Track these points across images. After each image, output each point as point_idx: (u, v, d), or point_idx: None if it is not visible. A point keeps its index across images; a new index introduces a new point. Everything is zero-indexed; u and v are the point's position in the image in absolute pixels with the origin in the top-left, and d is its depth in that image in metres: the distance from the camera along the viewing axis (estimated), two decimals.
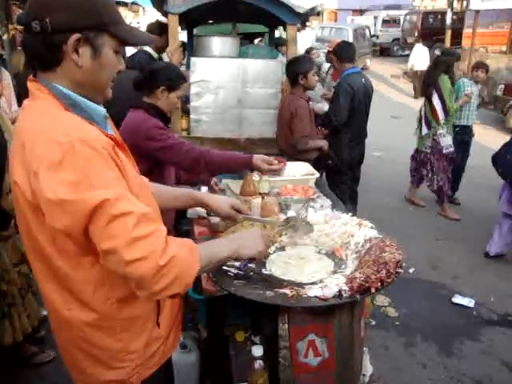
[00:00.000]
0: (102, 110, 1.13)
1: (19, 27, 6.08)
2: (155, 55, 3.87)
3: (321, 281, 1.37)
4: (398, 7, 22.23)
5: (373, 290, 1.27)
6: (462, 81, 4.99)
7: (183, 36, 5.29)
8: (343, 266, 1.48)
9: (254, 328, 1.76)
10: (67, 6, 0.99)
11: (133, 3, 14.31)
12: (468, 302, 3.33)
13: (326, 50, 5.96)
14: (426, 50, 12.63)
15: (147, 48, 3.80)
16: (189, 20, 4.45)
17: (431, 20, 17.60)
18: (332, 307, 1.29)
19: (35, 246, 1.07)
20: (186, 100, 3.47)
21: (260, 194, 2.13)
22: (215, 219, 1.90)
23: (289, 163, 2.62)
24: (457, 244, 4.30)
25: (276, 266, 1.48)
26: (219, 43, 3.57)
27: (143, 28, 4.86)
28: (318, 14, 21.40)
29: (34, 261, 1.11)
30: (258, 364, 1.39)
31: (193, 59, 3.55)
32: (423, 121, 4.81)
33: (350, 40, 14.40)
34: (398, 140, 7.99)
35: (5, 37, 6.10)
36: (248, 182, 2.19)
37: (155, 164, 2.09)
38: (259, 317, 1.63)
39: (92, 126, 1.03)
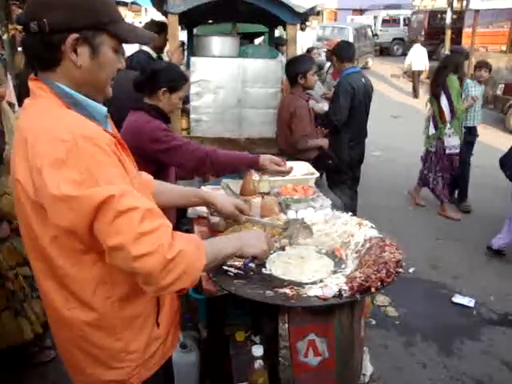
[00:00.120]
0: (103, 108, 1.13)
1: (19, 27, 6.07)
2: (154, 55, 3.87)
3: (321, 280, 1.37)
4: (397, 7, 22.22)
5: (373, 290, 1.27)
6: (465, 82, 4.97)
7: (183, 36, 5.29)
8: (343, 266, 1.48)
9: (254, 328, 1.76)
10: (65, 6, 0.99)
11: (133, 3, 14.30)
12: (468, 301, 3.33)
13: (326, 49, 5.97)
14: (424, 50, 12.69)
15: (146, 48, 3.80)
16: (189, 20, 4.45)
17: (438, 19, 17.63)
18: (332, 307, 1.29)
19: (36, 245, 1.07)
20: (185, 100, 3.47)
21: (260, 193, 2.13)
22: (215, 219, 1.90)
23: (288, 163, 2.62)
24: (457, 244, 4.30)
25: (276, 266, 1.48)
26: (219, 43, 3.57)
27: None
28: (318, 13, 21.45)
29: (35, 260, 1.11)
30: (258, 364, 1.39)
31: (193, 59, 3.55)
32: (431, 121, 4.76)
33: (351, 39, 14.43)
34: (397, 140, 8.00)
35: (5, 37, 6.09)
36: (248, 181, 2.19)
37: (158, 167, 2.06)
38: (259, 316, 1.63)
39: (94, 123, 1.04)
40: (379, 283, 1.28)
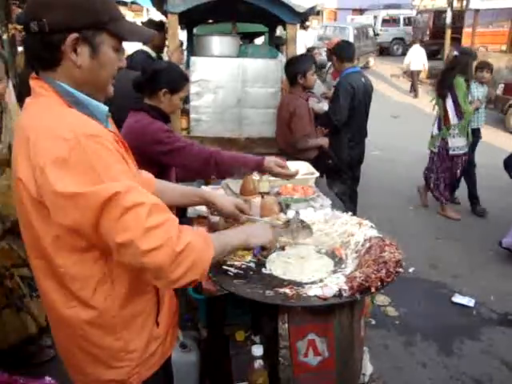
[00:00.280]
0: (104, 107, 1.13)
1: (19, 27, 6.07)
2: (153, 54, 3.87)
3: (321, 280, 1.37)
4: (397, 6, 22.22)
5: (373, 290, 1.27)
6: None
7: (182, 35, 5.29)
8: (343, 266, 1.48)
9: (253, 327, 1.76)
10: (65, 6, 0.99)
11: (133, 2, 14.28)
12: (468, 301, 3.33)
13: (326, 49, 5.97)
14: (422, 50, 12.75)
15: (146, 47, 3.80)
16: (188, 19, 4.45)
17: (442, 19, 17.66)
18: (332, 307, 1.29)
19: (36, 244, 1.07)
20: (185, 100, 3.47)
21: (260, 193, 2.13)
22: (215, 218, 1.90)
23: (288, 162, 2.62)
24: (457, 243, 4.30)
25: (276, 266, 1.48)
26: (219, 43, 3.57)
27: None
28: (318, 13, 21.44)
29: (35, 259, 1.11)
30: (258, 363, 1.39)
31: (192, 59, 3.55)
32: (436, 121, 4.73)
33: (352, 39, 14.45)
34: (398, 139, 8.01)
35: (5, 36, 6.09)
36: (248, 181, 2.18)
37: (159, 169, 2.03)
38: (259, 316, 1.63)
39: (96, 122, 1.04)
40: (379, 283, 1.28)
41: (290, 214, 1.87)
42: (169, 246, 0.98)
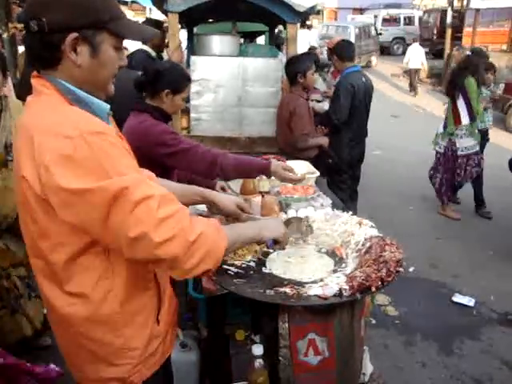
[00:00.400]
0: (105, 105, 1.13)
1: (19, 26, 6.08)
2: (153, 53, 3.86)
3: (321, 280, 1.37)
4: (398, 6, 22.20)
5: (373, 289, 1.27)
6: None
7: (182, 35, 5.28)
8: (343, 265, 1.48)
9: (254, 327, 1.76)
10: (64, 5, 0.99)
11: (133, 2, 14.30)
12: (468, 300, 3.33)
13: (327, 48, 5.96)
14: (421, 49, 12.84)
15: (145, 47, 3.80)
16: (189, 19, 4.45)
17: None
18: (332, 306, 1.29)
19: (36, 243, 1.07)
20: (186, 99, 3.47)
21: (260, 192, 2.12)
22: (216, 217, 1.90)
23: (289, 162, 2.62)
24: (457, 243, 4.30)
25: (276, 265, 1.48)
26: (219, 42, 3.57)
27: None
28: (318, 12, 21.42)
29: (35, 258, 1.11)
30: (258, 363, 1.38)
31: (193, 58, 3.55)
32: (444, 120, 4.70)
33: (353, 38, 14.45)
34: (398, 139, 8.01)
35: (5, 35, 6.09)
36: (248, 180, 2.19)
37: (162, 171, 2.01)
38: (259, 316, 1.63)
39: (98, 119, 1.05)
40: (379, 282, 1.28)
41: (291, 213, 1.88)
42: (182, 236, 1.00)
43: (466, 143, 4.56)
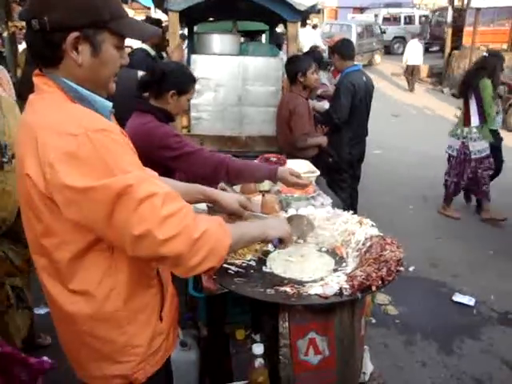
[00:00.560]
0: (108, 103, 1.13)
1: (19, 24, 6.08)
2: (153, 53, 3.86)
3: (321, 279, 1.37)
4: (398, 5, 22.19)
5: (373, 288, 1.27)
6: None
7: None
8: (344, 264, 1.48)
9: (254, 326, 1.75)
10: (66, 5, 0.99)
11: (133, 0, 14.30)
12: (468, 300, 3.33)
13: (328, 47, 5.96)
14: (420, 45, 12.86)
15: (145, 46, 3.80)
16: (189, 17, 4.44)
17: (461, 17, 17.78)
18: (333, 305, 1.28)
19: (39, 241, 1.07)
20: None
21: (260, 191, 2.12)
22: (218, 216, 1.90)
23: (289, 161, 2.62)
24: (457, 242, 4.30)
25: (276, 264, 1.48)
26: (219, 41, 3.57)
27: None
28: (319, 11, 21.39)
29: (38, 257, 1.11)
30: (259, 362, 1.38)
31: (193, 57, 3.55)
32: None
33: (354, 36, 14.46)
34: (398, 139, 8.00)
35: (5, 34, 6.09)
36: None
37: (164, 170, 2.00)
38: (259, 315, 1.63)
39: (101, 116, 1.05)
40: (380, 282, 1.28)
41: (291, 212, 1.87)
42: (186, 234, 1.00)
43: (478, 146, 4.48)
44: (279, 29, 6.69)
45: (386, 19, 20.32)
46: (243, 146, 3.55)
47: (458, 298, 3.36)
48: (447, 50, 13.36)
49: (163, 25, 4.67)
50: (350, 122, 3.78)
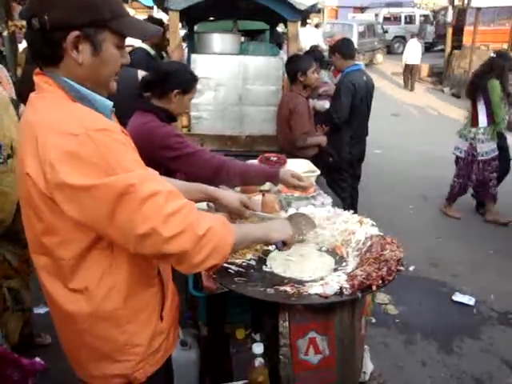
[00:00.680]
0: (108, 102, 1.13)
1: (19, 24, 6.08)
2: (152, 52, 3.85)
3: (322, 278, 1.37)
4: (399, 5, 22.17)
5: (374, 288, 1.27)
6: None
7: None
8: (344, 264, 1.48)
9: (254, 326, 1.76)
10: (66, 3, 0.99)
11: (134, 0, 14.29)
12: (468, 299, 3.33)
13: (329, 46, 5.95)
14: (419, 45, 12.90)
15: (144, 45, 3.79)
16: (189, 17, 4.44)
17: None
18: (333, 305, 1.28)
19: (40, 240, 1.07)
20: None
21: (260, 191, 2.12)
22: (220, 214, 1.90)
23: (289, 160, 2.62)
24: (457, 242, 4.30)
25: (277, 264, 1.48)
26: (220, 40, 3.56)
27: None
28: (319, 11, 21.39)
29: (38, 256, 1.11)
30: (259, 361, 1.38)
31: (193, 56, 3.54)
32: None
33: (356, 36, 14.45)
34: (399, 138, 8.00)
35: (5, 33, 6.09)
36: None
37: (165, 169, 1.95)
38: (260, 314, 1.63)
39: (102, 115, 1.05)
40: (380, 281, 1.28)
41: (291, 211, 1.87)
42: (191, 231, 1.01)
43: (486, 147, 4.46)
44: (280, 28, 6.69)
45: (386, 19, 20.31)
46: (243, 146, 3.55)
47: (458, 297, 3.36)
48: (447, 49, 13.36)
49: (165, 24, 4.66)
50: (351, 122, 3.77)
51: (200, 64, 3.47)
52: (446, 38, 13.93)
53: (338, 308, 1.31)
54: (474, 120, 4.47)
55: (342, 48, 3.84)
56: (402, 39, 19.82)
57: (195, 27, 5.30)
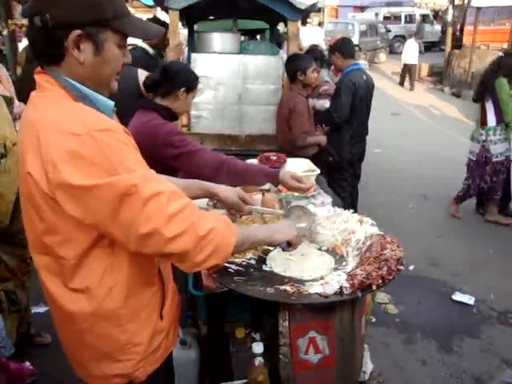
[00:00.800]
0: (110, 102, 1.13)
1: (19, 22, 6.07)
2: (151, 51, 3.85)
3: (322, 277, 1.37)
4: (399, 4, 22.18)
5: (374, 287, 1.27)
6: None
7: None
8: (344, 263, 1.48)
9: (254, 325, 1.75)
10: (68, 2, 0.99)
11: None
12: (468, 299, 3.33)
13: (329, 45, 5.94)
14: (416, 45, 12.92)
15: (143, 44, 3.78)
16: (189, 16, 4.44)
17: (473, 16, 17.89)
18: (333, 304, 1.28)
19: (41, 239, 1.07)
20: None
21: (260, 190, 2.12)
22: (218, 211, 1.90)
23: (289, 159, 2.62)
24: (457, 241, 4.30)
25: (276, 263, 1.48)
26: (220, 39, 3.56)
27: None
28: (319, 10, 21.38)
29: (39, 255, 1.11)
30: (259, 361, 1.38)
31: (193, 55, 3.54)
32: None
33: (357, 35, 14.44)
34: (398, 138, 8.00)
35: (5, 32, 6.07)
36: None
37: (165, 169, 1.99)
38: (259, 314, 1.63)
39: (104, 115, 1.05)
40: (380, 280, 1.28)
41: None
42: (192, 231, 1.02)
43: (500, 148, 4.43)
44: (280, 27, 6.68)
45: (386, 18, 20.31)
46: (243, 145, 3.55)
47: (458, 296, 3.36)
48: (447, 49, 13.35)
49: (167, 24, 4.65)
50: (351, 121, 3.77)
51: (200, 63, 3.47)
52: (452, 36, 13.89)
53: (338, 307, 1.30)
54: (483, 120, 4.44)
55: (342, 47, 3.84)
56: (403, 38, 19.83)
57: (195, 26, 5.30)
